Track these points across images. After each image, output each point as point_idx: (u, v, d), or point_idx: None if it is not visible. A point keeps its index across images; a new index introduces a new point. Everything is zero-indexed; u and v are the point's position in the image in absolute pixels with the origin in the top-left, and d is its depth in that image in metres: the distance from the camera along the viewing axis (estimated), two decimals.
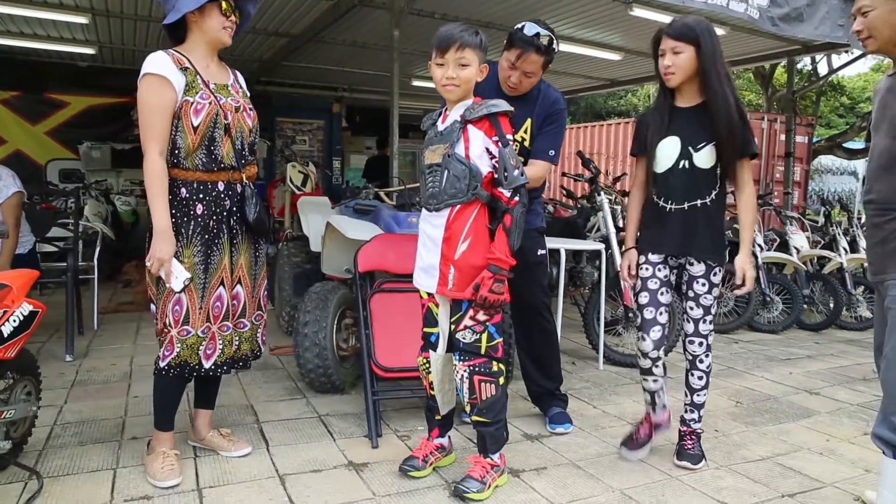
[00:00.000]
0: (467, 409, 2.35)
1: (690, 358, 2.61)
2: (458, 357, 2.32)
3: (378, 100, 10.34)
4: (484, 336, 2.28)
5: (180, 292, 2.23)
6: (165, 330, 2.27)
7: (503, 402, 2.37)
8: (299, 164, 5.13)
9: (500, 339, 2.34)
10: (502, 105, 2.26)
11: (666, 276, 2.58)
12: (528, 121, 2.78)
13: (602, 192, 4.49)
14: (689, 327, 2.58)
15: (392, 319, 2.99)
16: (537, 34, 2.59)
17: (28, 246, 4.13)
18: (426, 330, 2.42)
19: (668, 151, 2.48)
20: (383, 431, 2.85)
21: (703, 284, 2.52)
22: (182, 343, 2.26)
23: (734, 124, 2.37)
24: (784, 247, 6.03)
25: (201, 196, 2.29)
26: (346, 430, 2.88)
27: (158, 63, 2.24)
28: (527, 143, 2.79)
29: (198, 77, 2.29)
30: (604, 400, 3.46)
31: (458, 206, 2.22)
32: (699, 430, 2.67)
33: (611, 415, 3.23)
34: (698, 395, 2.63)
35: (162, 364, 2.29)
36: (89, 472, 2.39)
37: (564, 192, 6.93)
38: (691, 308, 2.55)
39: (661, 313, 2.56)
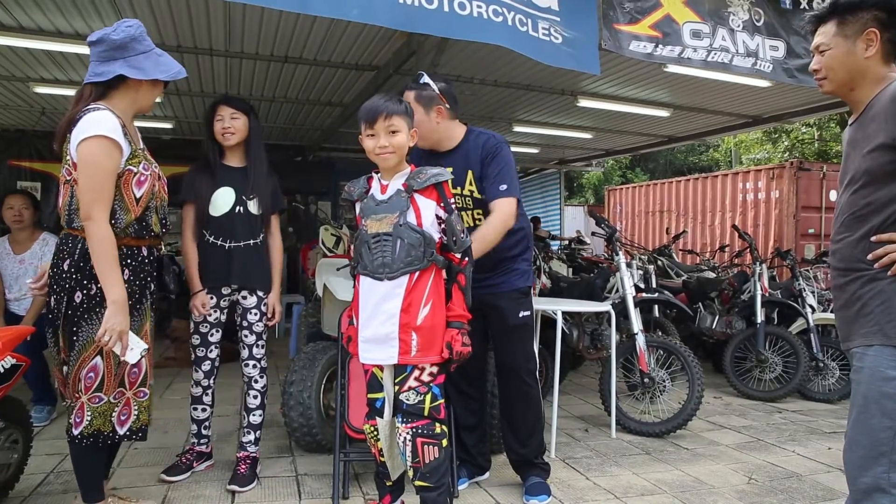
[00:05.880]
0: (410, 473, 2.31)
1: (246, 380, 3.03)
2: (400, 419, 2.29)
3: None
4: (427, 397, 2.27)
5: (134, 363, 2.18)
6: (76, 395, 2.19)
7: (447, 465, 2.32)
8: (332, 226, 5.34)
9: (443, 401, 2.32)
10: (446, 174, 2.33)
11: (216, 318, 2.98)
12: (470, 172, 2.80)
13: (620, 252, 4.37)
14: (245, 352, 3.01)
15: None
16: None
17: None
18: (371, 396, 2.38)
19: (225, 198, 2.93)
20: (354, 493, 2.85)
21: (255, 314, 3.00)
22: (93, 411, 2.19)
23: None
24: None
25: (128, 261, 2.24)
26: (316, 490, 2.89)
27: (110, 125, 2.13)
28: (476, 194, 2.80)
29: (137, 145, 2.26)
30: (600, 471, 3.27)
31: (417, 274, 2.25)
32: (254, 454, 3.02)
33: (601, 487, 3.05)
34: (254, 414, 3.02)
35: (75, 432, 2.19)
36: None
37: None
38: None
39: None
